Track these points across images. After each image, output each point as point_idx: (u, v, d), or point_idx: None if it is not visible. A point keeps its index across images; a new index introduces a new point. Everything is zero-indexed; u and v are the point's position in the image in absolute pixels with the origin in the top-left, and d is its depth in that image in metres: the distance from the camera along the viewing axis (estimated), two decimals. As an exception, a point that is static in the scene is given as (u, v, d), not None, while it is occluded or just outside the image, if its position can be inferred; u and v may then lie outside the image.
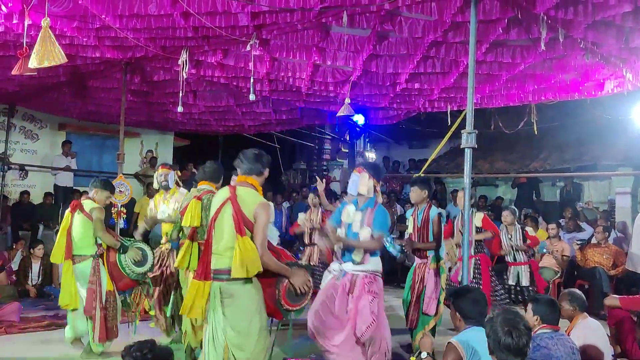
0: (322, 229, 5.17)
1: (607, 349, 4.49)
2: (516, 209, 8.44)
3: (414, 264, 5.91)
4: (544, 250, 9.18)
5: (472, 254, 6.77)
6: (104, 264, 5.66)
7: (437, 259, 5.74)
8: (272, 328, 4.32)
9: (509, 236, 7.70)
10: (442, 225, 5.81)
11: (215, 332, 3.77)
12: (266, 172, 4.04)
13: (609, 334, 5.40)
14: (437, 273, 5.71)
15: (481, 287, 6.61)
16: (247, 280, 3.74)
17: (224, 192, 3.95)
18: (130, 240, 5.87)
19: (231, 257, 3.69)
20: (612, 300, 5.83)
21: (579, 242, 8.83)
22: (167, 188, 6.14)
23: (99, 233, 5.56)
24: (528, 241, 7.81)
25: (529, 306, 4.12)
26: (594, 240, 9.02)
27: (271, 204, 4.02)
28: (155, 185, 6.26)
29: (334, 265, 5.02)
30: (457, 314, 3.56)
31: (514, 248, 7.67)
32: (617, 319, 5.64)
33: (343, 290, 4.83)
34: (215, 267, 3.82)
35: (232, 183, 5.89)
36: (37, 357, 5.66)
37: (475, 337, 3.28)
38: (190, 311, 3.85)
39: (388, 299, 9.06)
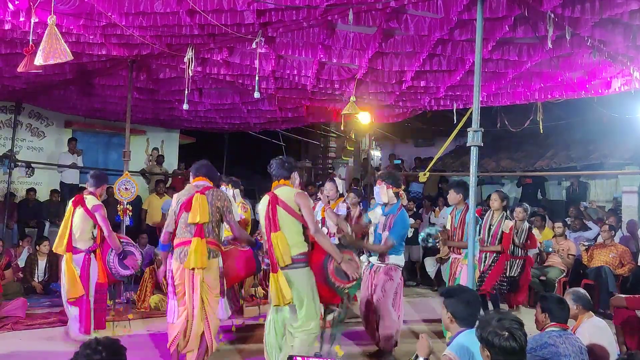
0: (354, 224, 6.27)
1: (613, 348, 4.47)
2: (529, 207, 8.47)
3: (449, 260, 6.37)
4: (550, 249, 9.15)
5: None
6: (96, 259, 5.94)
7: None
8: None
9: (515, 231, 7.72)
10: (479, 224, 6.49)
11: (277, 317, 4.62)
12: (294, 175, 4.79)
13: (615, 333, 5.39)
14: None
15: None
16: (304, 266, 4.53)
17: (265, 199, 4.69)
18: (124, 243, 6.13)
19: (290, 247, 4.48)
20: (618, 299, 5.82)
21: (585, 243, 8.79)
22: None
23: (106, 232, 5.77)
24: (528, 241, 7.94)
25: (538, 304, 4.12)
26: (600, 240, 8.99)
27: (305, 193, 4.82)
28: None
29: (363, 257, 5.79)
30: (449, 314, 3.45)
31: (515, 243, 7.74)
32: (623, 318, 5.63)
33: (367, 279, 5.66)
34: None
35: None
36: (43, 353, 5.68)
37: (471, 340, 3.18)
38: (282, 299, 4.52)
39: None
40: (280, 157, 4.87)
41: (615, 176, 11.24)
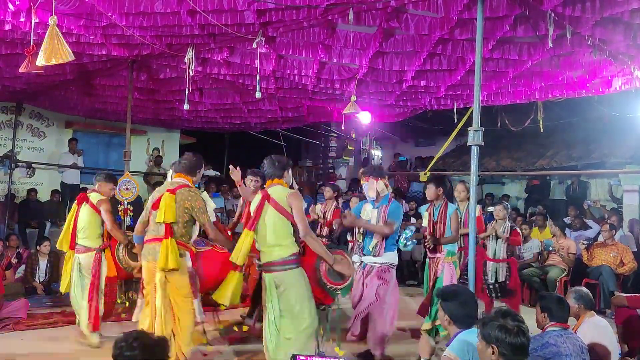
0: (342, 216, 5.76)
1: (614, 347, 4.47)
2: (508, 205, 8.32)
3: (428, 260, 6.18)
4: (550, 249, 9.16)
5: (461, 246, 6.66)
6: (105, 256, 5.95)
7: (452, 253, 5.95)
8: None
9: (500, 230, 7.01)
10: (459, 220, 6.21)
11: (274, 318, 4.40)
12: (287, 173, 4.68)
13: (616, 332, 5.39)
14: (453, 266, 5.91)
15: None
16: (296, 267, 4.40)
17: (259, 196, 4.59)
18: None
19: (281, 248, 4.39)
20: (620, 298, 5.81)
21: (585, 242, 8.78)
22: None
23: (109, 225, 5.73)
24: (510, 236, 7.08)
25: (538, 304, 4.11)
26: (600, 239, 8.99)
27: (299, 193, 4.71)
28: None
29: (355, 258, 5.54)
30: (446, 316, 3.42)
31: (496, 235, 7.02)
32: (624, 317, 5.62)
33: (359, 279, 5.44)
34: (265, 260, 4.46)
35: (247, 179, 6.23)
36: (44, 354, 5.68)
37: (470, 340, 3.17)
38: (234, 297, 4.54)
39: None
40: (271, 155, 4.73)
41: (615, 175, 11.21)
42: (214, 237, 4.77)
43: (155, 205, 4.62)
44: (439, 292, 3.67)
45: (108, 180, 6.15)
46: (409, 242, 5.97)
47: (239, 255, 4.41)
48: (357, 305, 5.44)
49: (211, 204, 5.43)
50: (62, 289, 6.07)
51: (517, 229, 7.48)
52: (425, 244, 6.15)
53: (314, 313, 4.45)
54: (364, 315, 5.40)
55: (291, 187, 6.63)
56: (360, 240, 5.64)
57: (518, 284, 7.33)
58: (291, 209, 4.39)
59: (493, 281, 7.06)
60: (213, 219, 5.10)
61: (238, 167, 6.12)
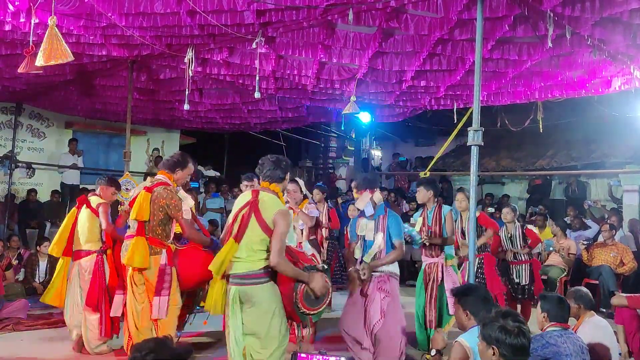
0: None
1: (614, 347, 4.48)
2: (516, 207, 8.15)
3: (423, 265, 5.97)
4: (551, 249, 9.16)
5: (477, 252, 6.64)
6: (107, 260, 5.76)
7: (451, 256, 5.86)
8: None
9: (509, 235, 7.25)
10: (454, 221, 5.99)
11: (237, 336, 3.86)
12: (287, 178, 4.12)
13: (616, 332, 5.39)
14: (453, 270, 5.81)
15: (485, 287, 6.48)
16: (266, 282, 3.84)
17: (246, 196, 4.01)
18: None
19: (252, 261, 3.82)
20: (620, 298, 5.81)
21: (585, 242, 8.77)
22: None
23: (104, 225, 5.66)
24: (529, 240, 7.28)
25: (538, 304, 4.11)
26: (600, 239, 8.98)
27: (290, 211, 4.09)
28: None
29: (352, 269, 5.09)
30: (467, 312, 3.44)
31: (513, 249, 7.21)
32: (624, 317, 5.62)
33: (359, 291, 4.96)
34: (234, 271, 3.88)
35: (242, 185, 5.79)
36: (44, 354, 5.67)
37: None
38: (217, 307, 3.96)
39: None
40: (275, 155, 4.14)
41: (615, 175, 11.22)
42: (189, 234, 4.66)
43: (131, 204, 4.67)
44: (455, 291, 3.67)
45: (110, 184, 5.99)
46: (417, 237, 5.85)
47: (219, 265, 3.86)
48: (367, 321, 4.84)
49: (189, 202, 5.21)
50: (48, 299, 5.77)
51: (529, 226, 7.51)
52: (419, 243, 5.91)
53: (284, 330, 3.92)
54: (373, 333, 4.83)
55: (305, 196, 6.54)
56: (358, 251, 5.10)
57: (540, 290, 7.18)
58: (274, 226, 3.81)
59: (518, 281, 7.06)
60: (188, 217, 4.85)
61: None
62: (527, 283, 7.09)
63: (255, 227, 3.83)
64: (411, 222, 6.28)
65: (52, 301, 5.78)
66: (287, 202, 5.77)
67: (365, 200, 5.02)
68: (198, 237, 4.79)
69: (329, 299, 4.03)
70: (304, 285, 3.84)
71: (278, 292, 3.90)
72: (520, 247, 7.17)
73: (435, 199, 6.00)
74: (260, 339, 3.82)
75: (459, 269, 6.30)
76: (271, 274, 3.88)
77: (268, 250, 3.83)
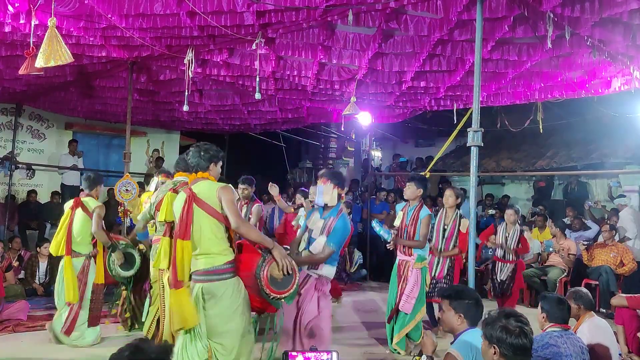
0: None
1: (614, 347, 4.48)
2: (519, 209, 8.30)
3: (396, 261, 6.05)
4: (550, 249, 9.16)
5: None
6: (95, 262, 5.98)
7: (422, 258, 5.87)
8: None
9: (507, 234, 7.56)
10: (430, 226, 6.03)
11: (198, 334, 3.76)
12: (213, 166, 3.97)
13: (616, 333, 5.39)
14: (420, 273, 5.82)
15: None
16: (230, 277, 3.77)
17: (182, 196, 3.91)
18: (124, 244, 6.06)
19: (213, 255, 3.75)
20: (620, 299, 5.82)
21: (585, 243, 8.78)
22: None
23: (94, 228, 5.74)
24: (520, 245, 7.56)
25: (539, 304, 4.11)
26: (600, 239, 8.99)
27: (231, 186, 3.93)
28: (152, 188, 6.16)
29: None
30: (460, 315, 3.37)
31: (504, 248, 7.53)
32: (624, 318, 5.63)
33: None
34: (196, 268, 3.81)
35: (238, 189, 5.82)
36: (44, 356, 5.67)
37: (475, 339, 3.15)
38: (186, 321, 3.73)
39: (372, 295, 9.36)
40: (200, 143, 4.04)
41: (615, 175, 11.22)
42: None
43: (158, 206, 4.70)
44: (446, 293, 3.57)
45: (93, 185, 6.11)
46: (384, 232, 5.91)
47: (182, 271, 3.75)
48: (297, 319, 4.71)
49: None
50: (70, 298, 5.86)
51: (525, 234, 7.69)
52: (388, 245, 5.96)
53: (248, 332, 3.88)
54: (307, 330, 4.69)
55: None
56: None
57: (520, 287, 7.54)
58: (221, 205, 3.75)
59: (501, 278, 7.34)
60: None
61: (275, 184, 6.36)
62: (506, 279, 7.43)
63: (203, 216, 3.75)
64: (396, 209, 6.33)
65: (71, 299, 5.86)
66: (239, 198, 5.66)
67: (322, 191, 4.79)
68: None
69: (297, 279, 3.91)
70: (266, 270, 3.74)
71: (243, 289, 3.83)
72: (512, 249, 7.53)
73: (421, 199, 6.03)
74: (224, 337, 3.76)
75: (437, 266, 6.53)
76: (235, 269, 3.82)
77: (226, 241, 3.80)
